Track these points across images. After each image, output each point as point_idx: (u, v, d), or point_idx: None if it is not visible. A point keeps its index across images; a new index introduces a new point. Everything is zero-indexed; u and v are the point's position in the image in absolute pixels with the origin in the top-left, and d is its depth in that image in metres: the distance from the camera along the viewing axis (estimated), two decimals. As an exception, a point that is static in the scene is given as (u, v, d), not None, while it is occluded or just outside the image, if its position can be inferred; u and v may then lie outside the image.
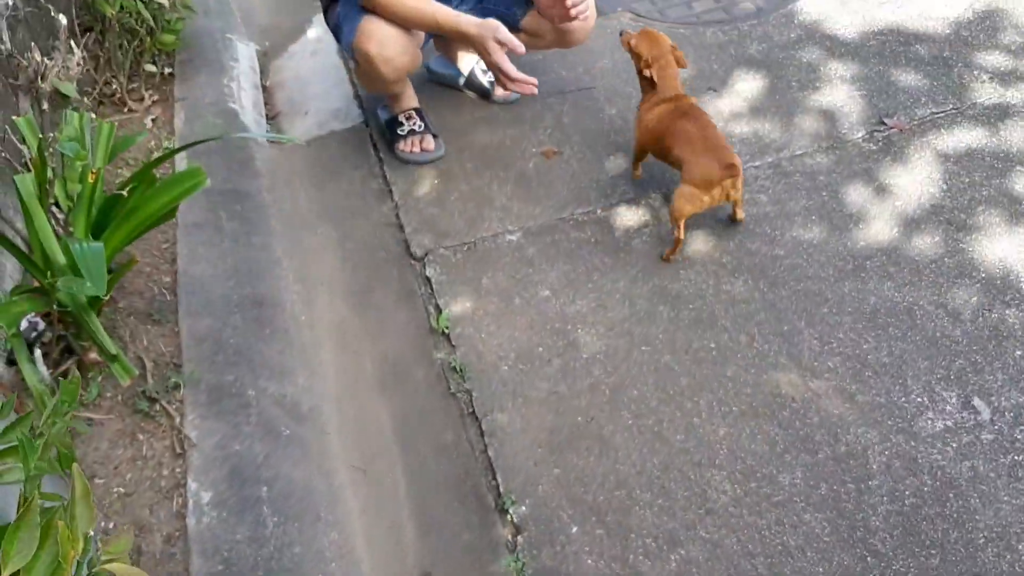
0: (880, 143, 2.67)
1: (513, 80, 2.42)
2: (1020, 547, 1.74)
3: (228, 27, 3.76)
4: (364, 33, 2.55)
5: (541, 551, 1.85)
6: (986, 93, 2.76)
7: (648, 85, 2.53)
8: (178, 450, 2.00)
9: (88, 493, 1.12)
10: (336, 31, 2.76)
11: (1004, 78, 2.79)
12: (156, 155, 3.00)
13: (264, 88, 3.58)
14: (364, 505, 2.03)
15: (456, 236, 2.62)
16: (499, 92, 3.05)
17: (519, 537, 1.87)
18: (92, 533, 1.12)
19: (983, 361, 2.06)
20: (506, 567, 1.84)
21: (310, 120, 3.30)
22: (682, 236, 2.38)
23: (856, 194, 2.52)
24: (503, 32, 2.39)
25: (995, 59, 2.87)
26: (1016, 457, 1.88)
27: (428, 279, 2.50)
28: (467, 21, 2.43)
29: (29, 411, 1.30)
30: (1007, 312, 2.15)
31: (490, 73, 3.02)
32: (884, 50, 3.00)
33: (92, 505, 1.12)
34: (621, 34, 2.54)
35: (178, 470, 1.96)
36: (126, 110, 3.23)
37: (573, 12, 2.47)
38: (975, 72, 2.84)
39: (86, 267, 1.58)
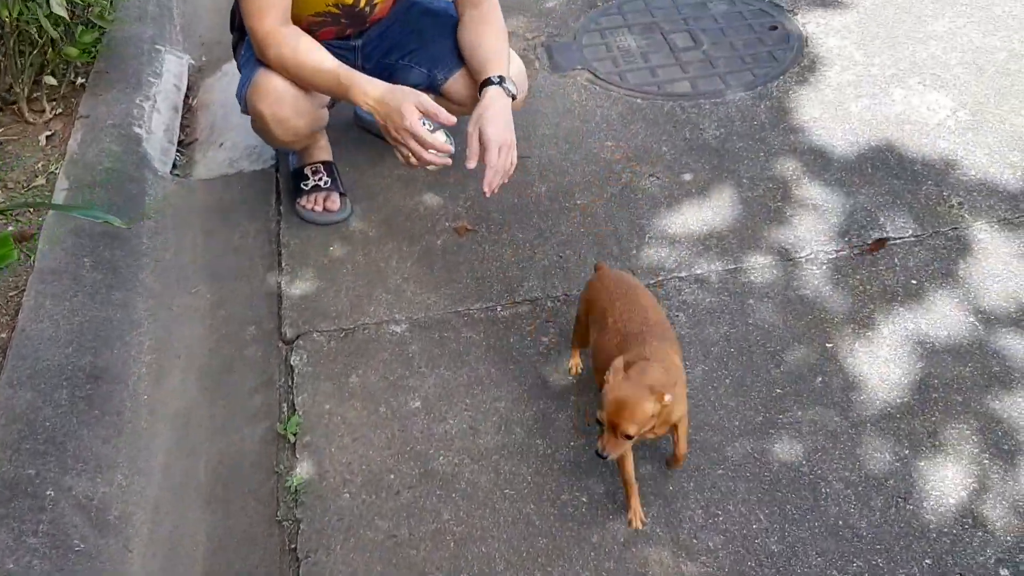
0: (824, 266, 2.37)
1: (428, 148, 2.12)
2: None
3: (161, 36, 3.48)
4: (257, 89, 2.26)
5: None
6: (952, 221, 2.45)
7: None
8: (-57, 561, 1.72)
9: None
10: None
11: (976, 204, 2.49)
12: (39, 180, 2.73)
13: (189, 108, 3.29)
14: (148, 650, 1.75)
15: (336, 318, 2.33)
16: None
17: None
18: None
19: (885, 567, 1.76)
20: None
21: (222, 154, 3.01)
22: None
23: (785, 327, 2.23)
24: (426, 99, 2.11)
25: (971, 179, 2.56)
26: None
27: (292, 368, 2.22)
28: (379, 83, 2.14)
29: None
30: (924, 506, 1.85)
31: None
32: (850, 153, 2.70)
33: None
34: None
35: (-65, 588, 1.68)
36: (23, 123, 2.96)
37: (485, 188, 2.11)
38: (945, 193, 2.53)
39: None
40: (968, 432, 1.97)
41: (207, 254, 2.61)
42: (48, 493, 1.91)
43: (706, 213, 2.55)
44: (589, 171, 2.73)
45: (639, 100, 3.01)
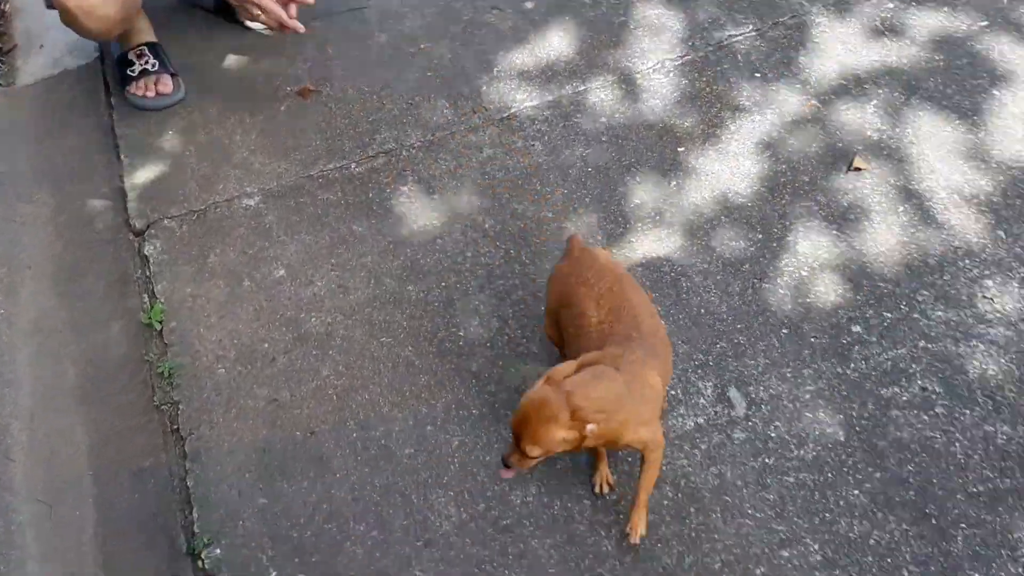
0: (671, 74, 2.37)
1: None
2: (758, 572, 1.56)
3: (-48, -63, 3.15)
4: None
5: (231, 605, 1.60)
6: (790, 10, 2.47)
7: None
8: None
9: None
10: None
11: (813, -9, 2.50)
12: None
13: (3, 15, 3.04)
14: (45, 550, 1.75)
15: (185, 202, 2.25)
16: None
17: (207, 589, 1.61)
18: None
19: (747, 342, 1.85)
20: (191, 626, 1.60)
21: (44, 56, 2.81)
22: None
23: (638, 139, 2.24)
24: None
25: (806, -32, 2.56)
26: (767, 460, 1.69)
27: (146, 258, 2.15)
28: None
29: None
30: (779, 282, 1.93)
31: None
32: (689, -42, 2.65)
33: None
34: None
35: None
36: None
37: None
38: (782, -16, 2.53)
39: None
40: (816, 208, 2.04)
41: (43, 159, 2.47)
42: (-90, 420, 1.84)
43: (552, 39, 2.51)
44: (429, 13, 2.63)
45: (474, -66, 2.89)
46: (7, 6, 3.12)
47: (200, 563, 1.66)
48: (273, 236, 2.16)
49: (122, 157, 2.38)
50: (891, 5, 2.41)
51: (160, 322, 2.01)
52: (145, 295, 2.08)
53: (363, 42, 2.57)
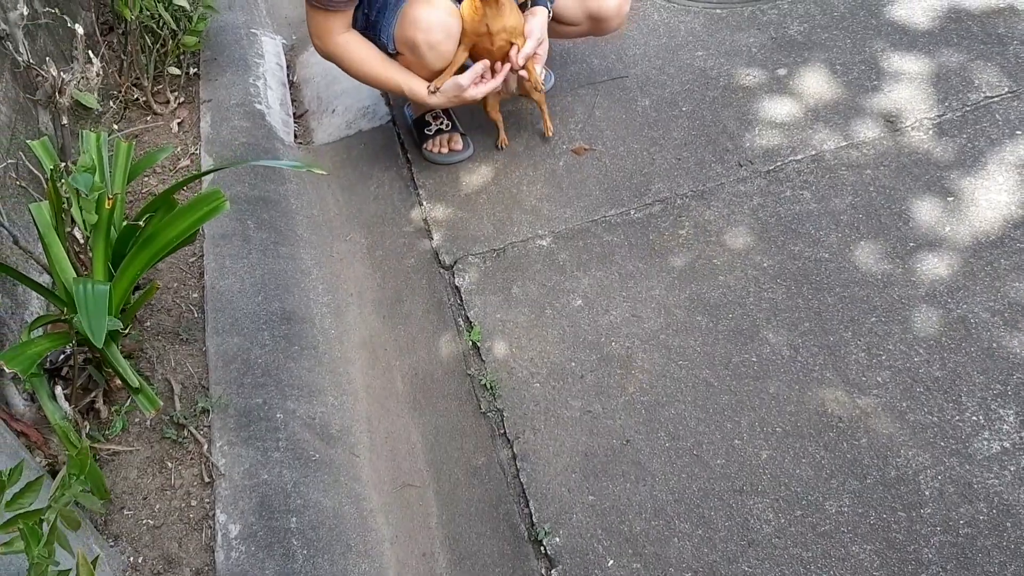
0: (930, 131, 2.52)
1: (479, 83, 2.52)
2: (1084, 582, 1.64)
3: (253, 21, 3.69)
4: (408, 19, 2.43)
5: (576, 585, 1.80)
6: (1045, 73, 2.59)
7: None
8: (206, 479, 1.98)
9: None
10: (374, 26, 2.60)
11: (1066, 55, 2.62)
12: (183, 162, 2.97)
13: (291, 84, 3.51)
14: (396, 533, 1.99)
15: (485, 242, 2.54)
16: None
17: (553, 571, 1.81)
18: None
19: (1041, 375, 1.94)
20: (540, 602, 1.79)
21: (337, 119, 3.23)
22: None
23: (906, 189, 2.39)
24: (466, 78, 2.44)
25: (1056, 34, 2.69)
26: (1080, 482, 1.77)
27: (457, 288, 2.43)
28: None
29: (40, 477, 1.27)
30: (1070, 319, 2.02)
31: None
32: (934, 28, 2.83)
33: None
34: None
35: (207, 500, 1.94)
36: (151, 115, 3.19)
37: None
38: (1034, 49, 2.66)
39: (86, 313, 1.54)
40: (1099, 252, 2.13)
41: (350, 206, 2.84)
42: (278, 416, 2.15)
43: (808, 100, 2.71)
44: (686, 80, 2.89)
45: (719, 11, 3.16)
46: (295, 77, 3.60)
47: (542, 549, 1.86)
48: (567, 271, 2.41)
49: (423, 203, 2.71)
50: None
51: (476, 342, 2.28)
52: (460, 320, 2.36)
53: (627, 106, 2.85)
